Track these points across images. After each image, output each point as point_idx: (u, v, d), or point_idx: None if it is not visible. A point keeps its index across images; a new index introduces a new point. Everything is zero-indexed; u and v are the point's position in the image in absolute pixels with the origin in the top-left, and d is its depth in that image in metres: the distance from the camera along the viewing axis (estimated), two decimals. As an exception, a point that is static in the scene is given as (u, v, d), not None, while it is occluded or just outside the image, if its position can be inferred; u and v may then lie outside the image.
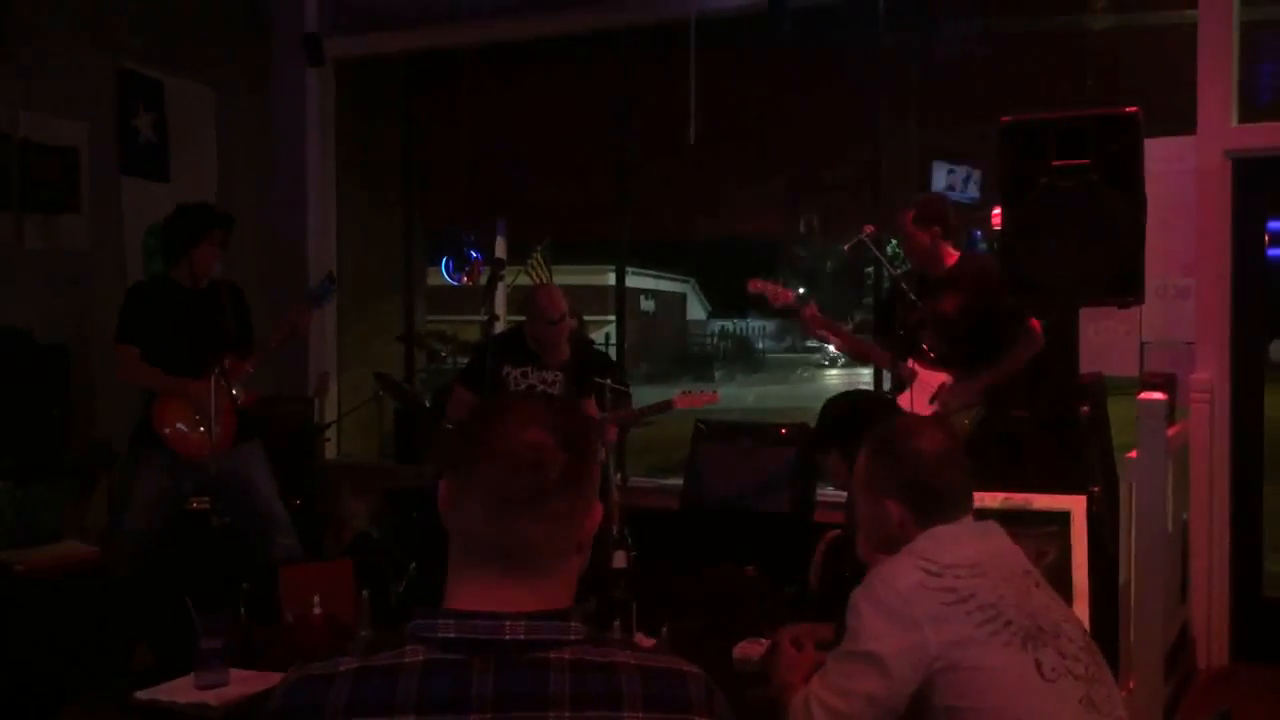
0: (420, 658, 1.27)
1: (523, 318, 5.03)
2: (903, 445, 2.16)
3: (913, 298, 4.63)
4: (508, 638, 1.27)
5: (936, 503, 2.10)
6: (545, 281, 7.78)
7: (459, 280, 11.08)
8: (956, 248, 4.70)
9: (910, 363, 4.60)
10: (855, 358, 5.30)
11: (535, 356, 4.95)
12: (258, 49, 6.97)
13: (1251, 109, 5.05)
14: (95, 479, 5.47)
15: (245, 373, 4.69)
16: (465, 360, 5.48)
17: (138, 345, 4.58)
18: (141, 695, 2.62)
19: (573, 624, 1.31)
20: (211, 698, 2.58)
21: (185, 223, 4.65)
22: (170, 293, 4.68)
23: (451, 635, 1.28)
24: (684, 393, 5.26)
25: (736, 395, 20.75)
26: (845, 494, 3.14)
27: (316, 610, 2.99)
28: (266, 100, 7.03)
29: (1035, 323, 4.47)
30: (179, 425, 4.53)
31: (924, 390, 4.52)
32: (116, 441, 5.14)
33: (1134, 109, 3.84)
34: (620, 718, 1.22)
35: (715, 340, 36.20)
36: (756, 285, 4.86)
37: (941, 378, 4.53)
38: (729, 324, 37.40)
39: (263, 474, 4.78)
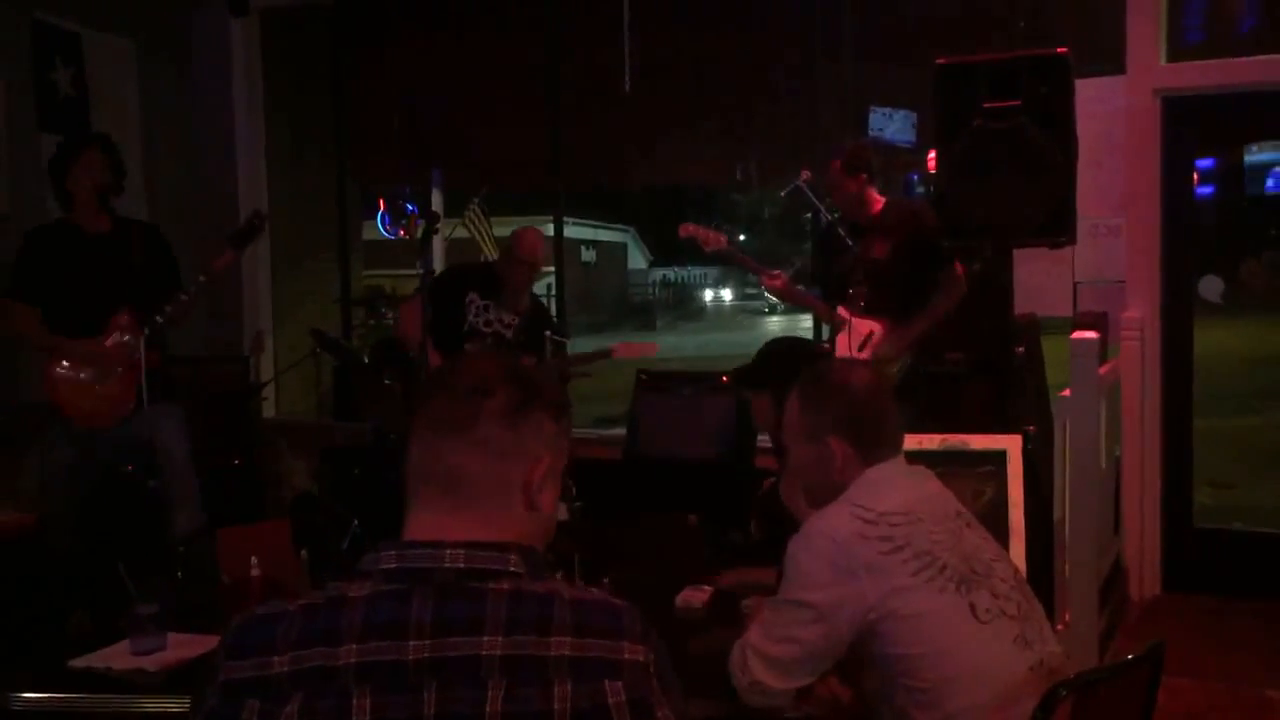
0: (365, 591, 1.30)
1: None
2: (835, 382, 2.17)
3: (849, 242, 4.63)
4: (447, 565, 1.31)
5: (875, 435, 2.11)
6: (484, 233, 7.71)
7: (395, 234, 10.93)
8: (881, 193, 4.70)
9: (840, 310, 4.59)
10: (793, 303, 5.29)
11: (499, 294, 4.93)
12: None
13: (1180, 48, 5.08)
14: (26, 444, 5.34)
15: (140, 324, 4.26)
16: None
17: (31, 298, 4.29)
18: (77, 663, 2.56)
19: (511, 556, 1.33)
20: (149, 663, 2.53)
21: (59, 153, 4.35)
22: (69, 239, 4.34)
23: (394, 566, 1.32)
24: (624, 343, 5.30)
25: (678, 344, 20.80)
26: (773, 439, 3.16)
27: (254, 572, 2.96)
28: (189, 53, 6.84)
29: (960, 267, 4.49)
30: (69, 390, 4.28)
31: (854, 338, 4.51)
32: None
33: (1064, 50, 3.85)
34: (548, 642, 1.24)
35: (656, 289, 36.19)
36: (688, 229, 4.85)
37: (871, 326, 4.51)
38: (670, 273, 37.39)
39: (174, 438, 4.39)
